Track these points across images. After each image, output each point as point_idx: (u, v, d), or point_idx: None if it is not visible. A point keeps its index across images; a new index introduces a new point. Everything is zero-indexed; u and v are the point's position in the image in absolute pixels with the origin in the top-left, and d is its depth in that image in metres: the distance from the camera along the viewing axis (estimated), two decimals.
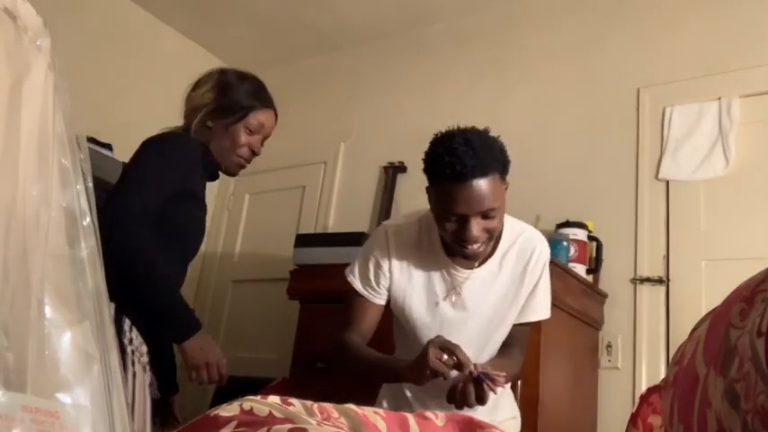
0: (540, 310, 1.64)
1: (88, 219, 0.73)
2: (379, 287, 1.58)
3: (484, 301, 1.56)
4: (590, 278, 2.47)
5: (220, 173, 1.80)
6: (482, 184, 1.36)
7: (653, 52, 2.75)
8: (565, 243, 2.38)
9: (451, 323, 1.55)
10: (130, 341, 1.49)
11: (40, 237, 0.66)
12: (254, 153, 1.78)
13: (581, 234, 2.45)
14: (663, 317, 2.42)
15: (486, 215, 1.40)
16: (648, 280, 2.47)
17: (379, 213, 3.22)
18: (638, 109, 2.71)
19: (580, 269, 2.38)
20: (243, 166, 1.79)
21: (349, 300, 1.62)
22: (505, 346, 1.61)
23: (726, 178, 2.44)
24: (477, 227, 1.40)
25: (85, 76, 3.14)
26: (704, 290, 2.36)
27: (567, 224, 2.45)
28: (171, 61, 3.76)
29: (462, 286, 1.55)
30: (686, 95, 2.61)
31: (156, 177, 1.56)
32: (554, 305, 2.09)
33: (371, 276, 1.59)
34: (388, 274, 1.58)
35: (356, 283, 1.60)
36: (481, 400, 1.30)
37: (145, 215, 1.48)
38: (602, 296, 2.50)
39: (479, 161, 1.35)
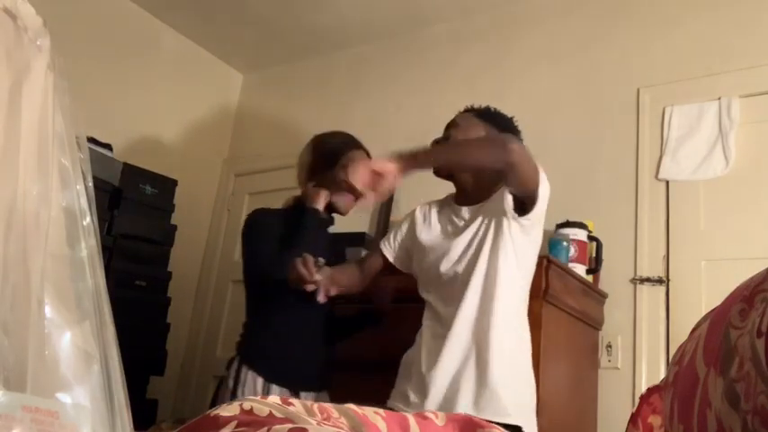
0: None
1: (88, 219, 0.73)
2: (395, 245, 1.93)
3: (467, 230, 1.75)
4: (590, 278, 2.47)
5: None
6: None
7: (653, 52, 2.75)
8: (565, 243, 2.38)
9: (442, 249, 1.78)
10: (243, 387, 1.85)
11: (40, 236, 0.66)
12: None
13: (581, 234, 2.45)
14: (663, 317, 2.42)
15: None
16: (648, 280, 2.47)
17: (379, 213, 3.22)
18: (638, 109, 2.70)
19: (580, 269, 2.38)
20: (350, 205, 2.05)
21: None
22: None
23: (726, 178, 2.43)
24: None
25: (85, 76, 3.14)
26: (704, 290, 2.35)
27: (567, 224, 2.45)
28: (171, 61, 3.76)
29: (457, 220, 1.81)
30: (686, 95, 2.61)
31: None
32: (554, 305, 2.09)
33: (392, 237, 1.94)
34: (406, 232, 1.92)
35: (382, 247, 1.96)
36: None
37: None
38: (602, 296, 2.50)
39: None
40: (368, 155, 2.08)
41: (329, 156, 2.03)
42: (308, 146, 2.15)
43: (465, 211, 1.80)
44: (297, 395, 1.80)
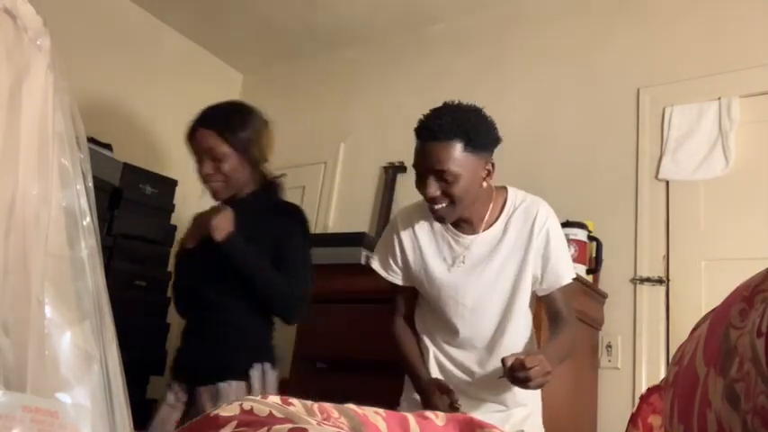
0: (559, 277, 1.66)
1: (88, 219, 0.73)
2: (398, 269, 1.74)
3: (490, 264, 1.63)
4: (590, 278, 2.47)
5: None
6: (438, 147, 1.50)
7: (653, 52, 2.75)
8: None
9: (465, 286, 1.63)
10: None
11: (40, 236, 0.66)
12: (206, 176, 2.00)
13: (581, 234, 2.45)
14: (663, 317, 2.42)
15: (441, 177, 1.50)
16: (648, 280, 2.47)
17: (379, 213, 3.22)
18: (638, 109, 2.71)
19: (580, 269, 2.38)
20: (216, 189, 2.03)
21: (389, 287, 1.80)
22: (551, 321, 1.68)
23: (726, 178, 2.44)
24: (432, 186, 1.52)
25: (85, 76, 3.14)
26: (704, 290, 2.36)
27: (567, 224, 2.45)
28: (171, 61, 3.76)
29: (468, 251, 1.63)
30: (686, 95, 2.61)
31: None
32: None
33: (390, 261, 1.75)
34: (399, 255, 1.72)
35: (381, 271, 1.77)
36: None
37: None
38: (602, 296, 2.50)
39: (439, 126, 1.50)
40: (206, 128, 1.95)
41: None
42: None
43: (469, 240, 1.65)
44: (193, 389, 1.86)
